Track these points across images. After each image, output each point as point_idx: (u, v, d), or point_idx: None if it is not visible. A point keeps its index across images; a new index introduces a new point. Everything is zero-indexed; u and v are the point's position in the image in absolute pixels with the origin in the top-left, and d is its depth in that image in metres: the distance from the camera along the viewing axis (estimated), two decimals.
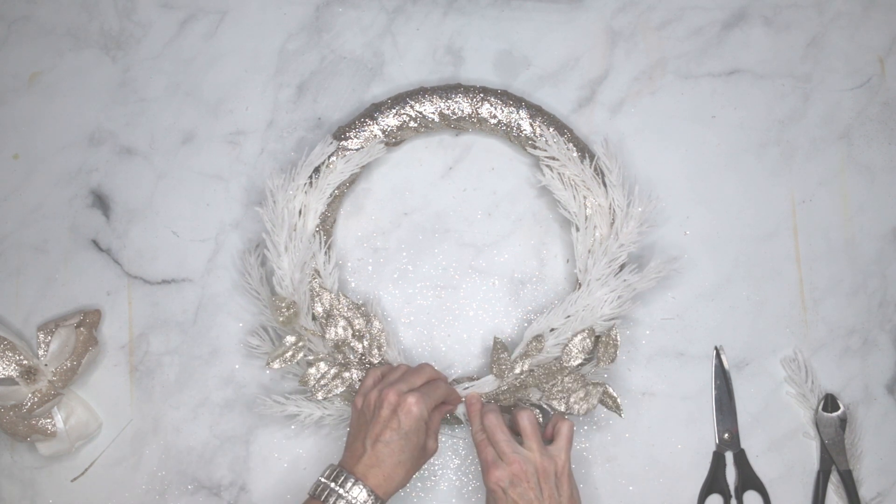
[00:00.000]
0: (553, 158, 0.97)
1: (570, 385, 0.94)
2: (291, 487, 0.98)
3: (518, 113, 0.98)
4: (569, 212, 0.98)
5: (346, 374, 0.95)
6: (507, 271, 1.01)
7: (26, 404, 0.94)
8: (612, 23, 1.05)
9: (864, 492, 0.97)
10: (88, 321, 0.98)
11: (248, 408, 0.99)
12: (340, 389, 0.95)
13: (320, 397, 0.95)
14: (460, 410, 0.94)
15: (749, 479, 0.97)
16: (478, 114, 0.99)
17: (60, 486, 0.98)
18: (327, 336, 0.96)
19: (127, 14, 1.06)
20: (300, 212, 0.97)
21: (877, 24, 1.05)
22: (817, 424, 0.98)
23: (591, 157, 0.98)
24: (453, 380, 0.97)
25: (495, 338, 0.96)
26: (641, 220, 0.96)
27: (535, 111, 0.99)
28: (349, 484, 0.83)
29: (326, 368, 0.95)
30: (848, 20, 1.05)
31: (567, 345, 0.94)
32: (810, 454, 0.99)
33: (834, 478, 0.97)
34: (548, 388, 0.94)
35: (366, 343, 0.96)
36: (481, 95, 0.99)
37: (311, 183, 0.98)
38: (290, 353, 0.95)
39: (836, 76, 1.04)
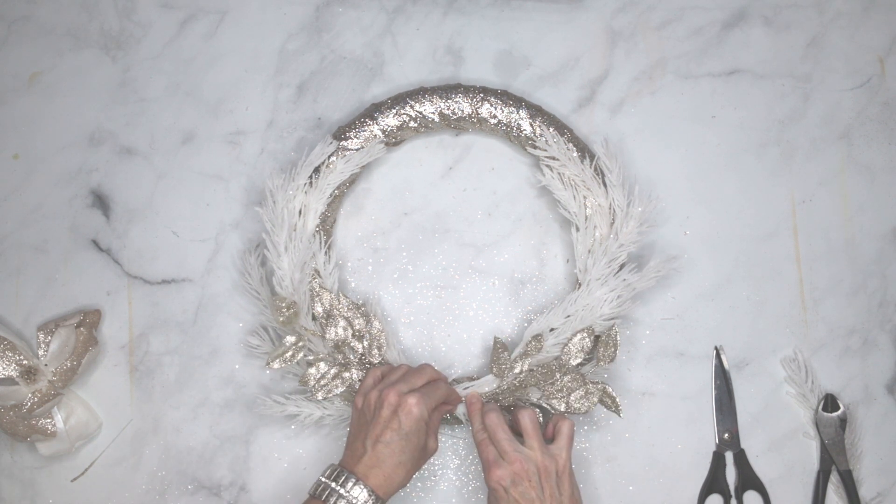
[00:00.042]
0: (553, 158, 0.97)
1: (569, 384, 0.94)
2: (291, 487, 0.98)
3: (518, 113, 0.99)
4: (569, 212, 0.98)
5: (346, 374, 0.95)
6: (507, 271, 1.01)
7: (26, 404, 0.94)
8: (612, 23, 1.05)
9: (864, 492, 0.97)
10: (88, 321, 0.98)
11: (248, 408, 0.99)
12: (340, 389, 0.95)
13: (320, 397, 0.95)
14: (460, 410, 0.94)
15: (749, 479, 0.97)
16: (478, 114, 0.99)
17: (60, 486, 0.98)
18: (327, 336, 0.96)
19: (127, 14, 1.06)
20: (300, 212, 0.97)
21: (877, 24, 1.05)
22: (817, 424, 0.98)
23: (591, 157, 0.98)
24: (453, 380, 0.97)
25: (495, 337, 0.96)
26: (641, 220, 0.96)
27: (535, 111, 0.99)
28: (350, 484, 0.83)
29: (326, 368, 0.95)
30: (848, 20, 1.05)
31: (567, 344, 0.94)
32: (810, 454, 0.99)
33: (834, 478, 0.97)
34: (547, 387, 0.94)
35: (366, 343, 0.96)
36: (481, 95, 0.99)
37: (311, 183, 0.98)
38: (290, 353, 0.95)
39: (836, 76, 1.04)
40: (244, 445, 0.99)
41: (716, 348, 1.00)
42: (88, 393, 1.00)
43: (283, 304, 0.95)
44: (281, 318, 0.95)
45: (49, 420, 0.96)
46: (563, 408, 0.94)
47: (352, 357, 0.96)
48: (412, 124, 0.99)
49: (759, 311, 1.00)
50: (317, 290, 0.96)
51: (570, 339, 0.94)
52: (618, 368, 0.99)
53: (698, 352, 1.00)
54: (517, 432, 0.89)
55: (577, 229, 0.97)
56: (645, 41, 1.04)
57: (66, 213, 1.02)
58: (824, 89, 1.04)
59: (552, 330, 0.95)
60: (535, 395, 0.95)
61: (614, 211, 0.97)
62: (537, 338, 0.95)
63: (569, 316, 0.95)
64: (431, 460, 0.97)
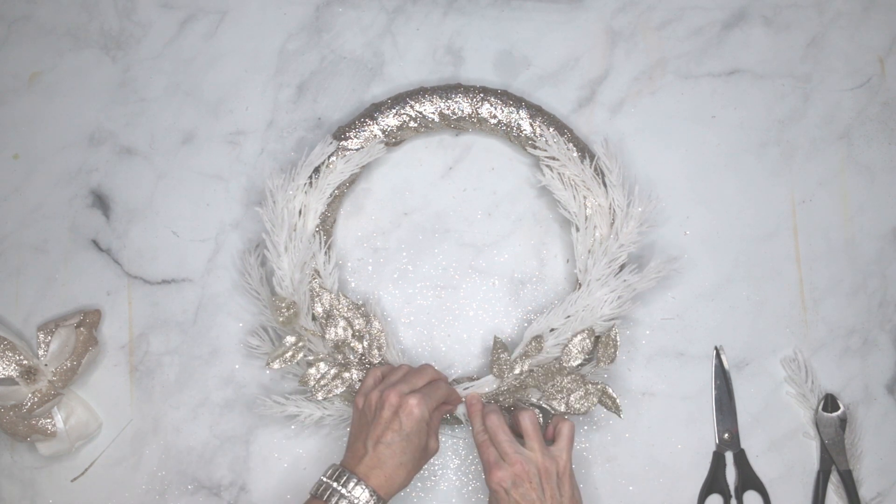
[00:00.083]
0: (553, 158, 0.97)
1: (569, 385, 0.94)
2: (291, 487, 0.98)
3: (518, 113, 0.98)
4: (569, 212, 0.98)
5: (346, 375, 0.95)
6: (507, 271, 1.01)
7: (26, 404, 0.94)
8: (612, 23, 1.05)
9: (864, 492, 0.97)
10: (88, 321, 0.98)
11: (248, 408, 0.99)
12: (340, 390, 0.95)
13: (320, 397, 0.95)
14: (460, 410, 0.94)
15: (749, 479, 0.97)
16: (478, 114, 0.99)
17: (60, 486, 0.98)
18: (327, 336, 0.96)
19: (127, 14, 1.06)
20: (300, 212, 0.97)
21: (877, 24, 1.05)
22: (817, 424, 0.98)
23: (591, 157, 0.98)
24: (453, 380, 0.97)
25: (495, 337, 0.96)
26: (641, 220, 0.96)
27: (535, 111, 0.99)
28: (351, 484, 0.83)
29: (326, 369, 0.95)
30: (848, 20, 1.05)
31: (567, 345, 0.94)
32: (810, 454, 0.99)
33: (834, 478, 0.97)
34: (547, 388, 0.94)
35: (366, 343, 0.96)
36: (481, 95, 0.99)
37: (311, 183, 0.98)
38: (290, 353, 0.95)
39: (836, 76, 1.04)
40: (244, 445, 0.99)
41: (716, 348, 1.00)
42: (88, 393, 0.99)
43: (283, 305, 0.95)
44: (281, 319, 0.95)
45: (49, 420, 0.96)
46: (563, 408, 0.94)
47: (352, 357, 0.96)
48: (412, 124, 0.99)
49: (759, 311, 1.00)
50: (317, 290, 0.96)
51: (571, 339, 0.94)
52: (618, 368, 0.99)
53: (698, 352, 1.00)
54: (518, 433, 0.89)
55: (577, 229, 0.97)
56: (645, 41, 1.04)
57: (66, 213, 1.02)
58: (824, 89, 1.04)
59: (552, 330, 0.95)
60: (535, 396, 0.95)
61: (614, 211, 0.97)
62: (537, 339, 0.95)
63: (569, 316, 0.95)
64: (432, 460, 0.97)
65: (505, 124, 0.99)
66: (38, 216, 1.02)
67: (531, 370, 0.95)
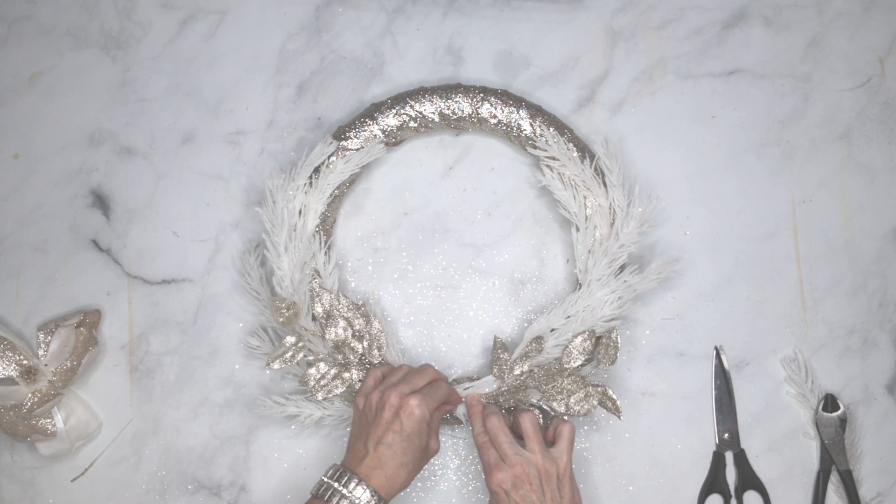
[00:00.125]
0: (553, 158, 0.97)
1: (569, 386, 0.94)
2: (291, 487, 0.98)
3: (518, 113, 0.98)
4: (569, 212, 0.98)
5: (346, 375, 0.95)
6: (507, 271, 1.01)
7: (26, 404, 0.94)
8: (612, 23, 1.05)
9: (864, 492, 0.97)
10: (88, 321, 0.98)
11: (248, 408, 0.99)
12: (340, 390, 0.95)
13: (320, 398, 0.95)
14: (460, 411, 0.94)
15: (749, 479, 0.97)
16: (478, 114, 0.99)
17: (60, 486, 0.98)
18: (327, 336, 0.96)
19: (127, 14, 1.06)
20: (300, 212, 0.97)
21: (877, 24, 1.05)
22: (817, 424, 0.98)
23: (591, 157, 0.98)
24: (453, 380, 0.97)
25: (495, 337, 0.95)
26: (641, 220, 0.96)
27: (535, 111, 0.99)
28: (353, 484, 0.83)
29: (326, 369, 0.95)
30: (848, 20, 1.05)
31: (567, 346, 0.94)
32: (810, 454, 0.99)
33: (834, 478, 0.97)
34: (547, 389, 0.94)
35: (366, 343, 0.96)
36: (481, 95, 0.99)
37: (311, 183, 0.98)
38: (290, 353, 0.95)
39: (836, 76, 1.04)
40: (244, 445, 0.99)
41: (716, 348, 1.00)
42: (88, 393, 0.99)
43: (283, 305, 0.94)
44: (281, 319, 0.95)
45: (49, 420, 0.96)
46: (562, 409, 0.94)
47: (352, 357, 0.96)
48: (412, 124, 0.99)
49: (759, 311, 1.00)
50: (317, 290, 0.96)
51: (571, 340, 0.94)
52: (618, 369, 0.99)
53: (698, 352, 1.00)
54: (518, 435, 0.89)
55: (577, 229, 0.97)
56: (645, 41, 1.04)
57: (66, 213, 1.02)
58: (824, 89, 1.04)
59: (552, 330, 0.95)
60: (535, 397, 0.95)
61: (614, 211, 0.97)
62: (538, 339, 0.95)
63: (569, 317, 0.95)
64: (432, 460, 0.97)
65: (505, 124, 0.99)
66: (38, 216, 1.02)
67: (531, 371, 0.95)
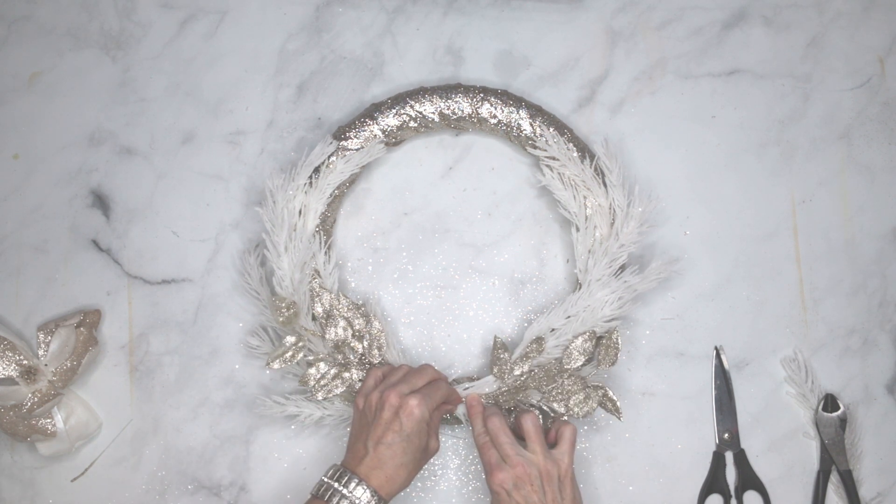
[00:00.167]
0: (553, 158, 0.97)
1: (570, 387, 0.94)
2: (291, 487, 0.98)
3: (518, 113, 0.98)
4: (569, 212, 0.98)
5: (346, 375, 0.95)
6: (507, 271, 1.01)
7: (26, 404, 0.94)
8: (612, 23, 1.05)
9: (864, 492, 0.97)
10: (88, 321, 0.98)
11: (248, 408, 0.99)
12: (340, 390, 0.95)
13: (320, 397, 0.95)
14: (460, 411, 0.94)
15: (749, 479, 0.97)
16: (478, 114, 0.99)
17: (60, 486, 0.98)
18: (327, 336, 0.96)
19: (127, 14, 1.06)
20: (300, 212, 0.97)
21: (877, 24, 1.05)
22: (817, 424, 0.98)
23: (591, 157, 0.98)
24: (453, 380, 0.97)
25: (495, 337, 0.95)
26: (641, 220, 0.96)
27: (535, 111, 0.99)
28: (353, 484, 0.83)
29: (326, 368, 0.95)
30: (848, 20, 1.05)
31: (568, 346, 0.94)
32: (810, 454, 0.99)
33: (834, 478, 0.97)
34: (548, 390, 0.94)
35: (366, 343, 0.96)
36: (481, 95, 0.99)
37: (311, 183, 0.98)
38: (290, 353, 0.95)
39: (836, 76, 1.04)
40: (244, 445, 0.99)
41: (716, 348, 1.00)
42: (88, 393, 0.99)
43: (283, 304, 0.95)
44: (281, 318, 0.95)
45: (49, 420, 0.96)
46: (563, 410, 0.94)
47: (352, 357, 0.96)
48: (412, 124, 0.99)
49: (759, 311, 1.00)
50: (317, 290, 0.96)
51: (572, 341, 0.94)
52: (618, 368, 0.99)
53: (698, 352, 1.00)
54: (519, 436, 0.89)
55: (577, 229, 0.97)
56: (645, 41, 1.04)
57: (66, 213, 1.02)
58: (824, 89, 1.04)
59: (553, 330, 0.95)
60: (535, 398, 0.95)
61: (614, 211, 0.97)
62: (538, 340, 0.95)
63: (569, 317, 0.95)
64: (432, 460, 0.97)
65: (505, 124, 0.99)
66: (38, 216, 1.02)
67: (531, 371, 0.95)
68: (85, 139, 1.04)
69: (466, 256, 1.01)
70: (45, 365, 0.96)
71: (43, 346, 0.96)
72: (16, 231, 1.02)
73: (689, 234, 1.02)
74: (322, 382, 0.95)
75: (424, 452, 0.88)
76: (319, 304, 0.96)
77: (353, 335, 0.96)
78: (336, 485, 0.84)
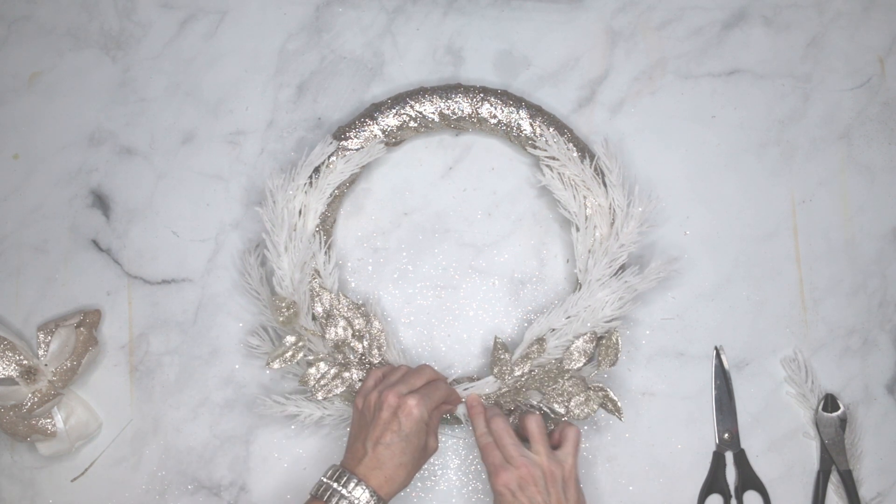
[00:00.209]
0: (553, 158, 0.97)
1: (570, 389, 0.94)
2: (291, 487, 0.98)
3: (518, 113, 0.98)
4: (569, 212, 0.98)
5: (346, 374, 0.95)
6: (507, 271, 1.01)
7: (26, 404, 0.94)
8: (612, 23, 1.05)
9: (864, 492, 0.97)
10: (88, 321, 0.98)
11: (248, 408, 0.99)
12: (340, 389, 0.95)
13: (320, 397, 0.95)
14: (460, 411, 0.94)
15: (749, 479, 0.97)
16: (478, 114, 0.99)
17: (60, 486, 0.98)
18: (327, 336, 0.96)
19: (127, 14, 1.06)
20: (300, 212, 0.97)
21: (877, 24, 1.05)
22: (817, 424, 0.98)
23: (591, 157, 0.98)
24: (453, 380, 0.97)
25: (496, 338, 0.95)
26: (641, 220, 0.96)
27: (535, 111, 0.99)
28: (352, 484, 0.83)
29: (326, 368, 0.95)
30: (848, 20, 1.05)
31: (569, 347, 0.94)
32: (810, 454, 0.99)
33: (834, 478, 0.97)
34: (548, 390, 0.94)
35: (366, 343, 0.96)
36: (481, 95, 0.99)
37: (311, 183, 0.98)
38: (290, 353, 0.95)
39: (836, 76, 1.04)
40: (244, 445, 0.99)
41: (716, 348, 0.99)
42: (88, 393, 0.99)
43: (283, 304, 0.95)
44: (281, 318, 0.95)
45: (49, 420, 0.96)
46: (563, 412, 0.94)
47: (352, 357, 0.96)
48: (412, 124, 0.99)
49: (759, 311, 1.00)
50: (317, 290, 0.96)
51: (573, 342, 0.94)
52: (618, 369, 0.99)
53: (698, 352, 1.00)
54: (522, 437, 0.89)
55: (577, 229, 0.97)
56: (645, 41, 1.04)
57: (66, 213, 1.02)
58: (824, 89, 1.04)
59: (553, 331, 0.95)
60: (535, 398, 0.95)
61: (614, 211, 0.97)
62: (540, 341, 0.94)
63: (570, 317, 0.95)
64: (431, 460, 0.97)
65: (505, 124, 0.99)
66: (38, 216, 1.02)
67: (531, 371, 0.95)
68: (85, 139, 1.04)
69: (466, 256, 1.01)
70: (45, 365, 0.96)
71: (43, 346, 0.96)
72: (16, 231, 1.02)
73: (689, 234, 1.02)
74: (322, 382, 0.95)
75: (423, 452, 0.88)
76: (319, 304, 0.96)
77: (353, 335, 0.96)
78: (335, 485, 0.84)
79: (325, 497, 0.83)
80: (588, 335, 0.94)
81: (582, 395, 0.94)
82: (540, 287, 1.01)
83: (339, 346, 0.96)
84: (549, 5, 1.05)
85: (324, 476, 0.85)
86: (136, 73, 1.05)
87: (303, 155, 0.98)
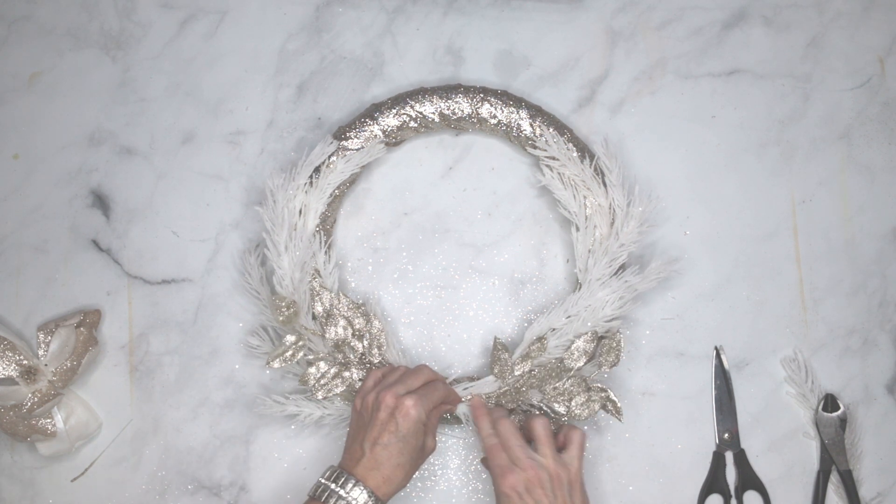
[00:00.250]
0: (553, 158, 0.97)
1: (571, 389, 0.94)
2: (291, 487, 0.98)
3: (518, 113, 0.98)
4: (569, 212, 0.98)
5: (346, 374, 0.95)
6: (507, 271, 1.01)
7: (26, 404, 0.94)
8: (612, 23, 1.05)
9: (864, 492, 0.97)
10: (88, 321, 0.98)
11: (248, 408, 0.99)
12: (340, 389, 0.95)
13: (320, 397, 0.95)
14: (460, 410, 0.94)
15: (749, 479, 0.97)
16: (478, 114, 0.99)
17: (60, 486, 0.98)
18: (327, 336, 0.96)
19: (127, 14, 1.06)
20: (300, 211, 0.97)
21: (877, 24, 1.05)
22: (817, 424, 0.98)
23: (591, 157, 0.98)
24: (453, 380, 0.97)
25: (496, 338, 0.95)
26: (641, 220, 0.96)
27: (535, 111, 0.99)
28: (349, 485, 0.83)
29: (326, 368, 0.95)
30: (848, 20, 1.05)
31: (570, 347, 0.94)
32: (810, 454, 0.99)
33: (834, 478, 0.97)
34: (549, 390, 0.94)
35: (366, 343, 0.96)
36: (481, 95, 0.99)
37: (311, 183, 0.98)
38: (290, 352, 0.95)
39: (836, 76, 1.04)
40: (244, 445, 0.99)
41: (716, 348, 0.99)
42: (88, 393, 1.00)
43: (283, 304, 0.95)
44: (281, 318, 0.95)
45: (49, 420, 0.96)
46: (563, 411, 0.94)
47: (352, 357, 0.96)
48: (412, 124, 0.99)
49: (759, 311, 1.00)
50: (317, 289, 0.96)
51: (573, 342, 0.94)
52: (618, 369, 0.99)
53: (698, 352, 1.00)
54: (528, 440, 0.89)
55: (577, 229, 0.97)
56: (645, 41, 1.04)
57: (66, 213, 1.02)
58: (824, 89, 1.04)
59: (553, 330, 0.95)
60: (535, 398, 0.95)
61: (614, 211, 0.97)
62: (541, 340, 0.94)
63: (570, 317, 0.95)
64: (431, 460, 0.97)
65: (505, 124, 0.99)
66: (38, 216, 1.02)
67: (532, 371, 0.95)
68: (85, 139, 1.04)
69: (466, 256, 1.01)
70: (45, 365, 0.96)
71: (43, 346, 0.96)
72: (16, 231, 1.02)
73: (689, 234, 1.02)
74: (322, 382, 0.95)
75: (421, 452, 0.88)
76: (319, 304, 0.96)
77: (353, 334, 0.96)
78: (333, 486, 0.84)
79: (323, 498, 0.83)
80: (588, 335, 0.94)
81: (583, 395, 0.94)
82: (540, 287, 1.01)
83: (339, 345, 0.96)
84: (549, 5, 1.05)
85: (322, 477, 0.85)
86: (136, 73, 1.05)
87: (303, 155, 0.98)
